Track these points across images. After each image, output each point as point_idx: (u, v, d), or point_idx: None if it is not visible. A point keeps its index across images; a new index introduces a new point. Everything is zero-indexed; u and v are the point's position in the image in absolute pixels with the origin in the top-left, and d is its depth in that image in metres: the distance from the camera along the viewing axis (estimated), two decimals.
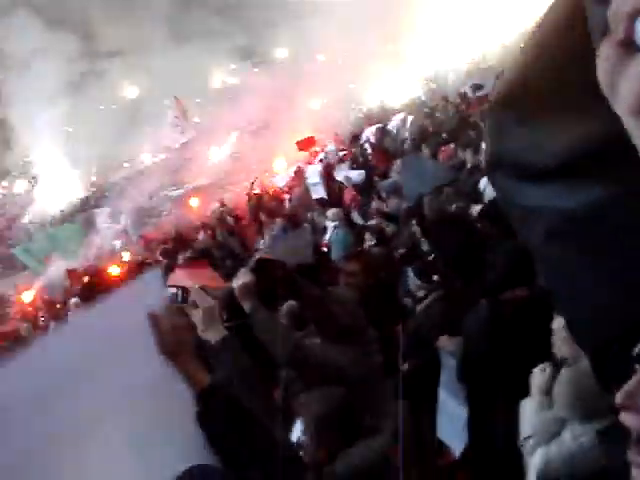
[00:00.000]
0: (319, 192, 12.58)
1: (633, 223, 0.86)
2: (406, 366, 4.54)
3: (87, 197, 33.97)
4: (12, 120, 32.01)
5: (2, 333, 13.71)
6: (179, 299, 2.99)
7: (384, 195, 10.37)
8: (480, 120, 11.45)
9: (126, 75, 34.10)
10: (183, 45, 30.00)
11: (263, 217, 11.73)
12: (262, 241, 11.03)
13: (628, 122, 0.80)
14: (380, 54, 25.30)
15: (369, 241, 8.11)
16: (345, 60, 26.69)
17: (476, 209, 6.76)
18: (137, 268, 14.12)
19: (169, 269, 9.72)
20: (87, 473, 2.03)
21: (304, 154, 17.98)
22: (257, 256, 4.17)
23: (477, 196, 7.94)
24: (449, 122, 13.16)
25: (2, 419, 1.90)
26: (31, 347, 2.34)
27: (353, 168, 13.38)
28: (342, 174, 12.96)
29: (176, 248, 13.15)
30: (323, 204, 11.68)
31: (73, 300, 12.72)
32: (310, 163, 15.44)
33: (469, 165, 9.57)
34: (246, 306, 3.22)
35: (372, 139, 13.98)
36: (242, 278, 3.28)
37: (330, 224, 9.36)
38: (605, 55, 0.82)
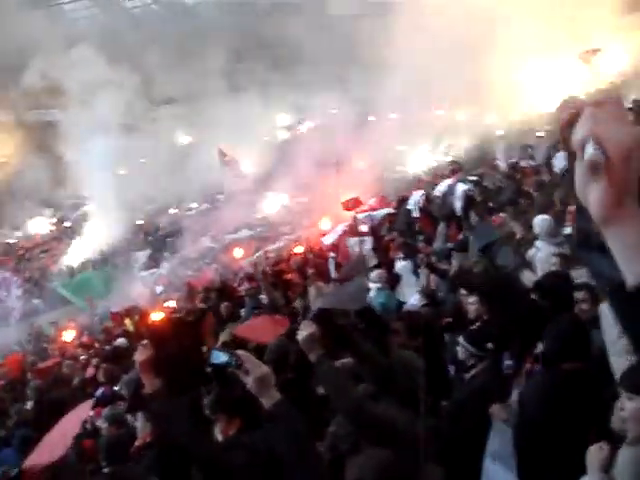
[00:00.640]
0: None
1: None
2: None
3: (131, 239, 34.50)
4: (67, 157, 32.92)
5: (43, 369, 13.80)
6: (233, 364, 3.01)
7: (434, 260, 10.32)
8: (534, 190, 11.37)
9: (179, 122, 34.96)
10: (236, 96, 30.68)
11: (309, 272, 11.77)
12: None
13: (599, 228, 1.08)
14: (429, 118, 25.58)
15: (419, 302, 8.14)
16: (395, 122, 27.03)
17: (527, 277, 6.78)
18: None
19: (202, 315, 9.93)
20: None
21: (350, 214, 18.02)
22: (317, 306, 4.21)
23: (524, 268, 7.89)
24: (504, 192, 13.09)
25: None
26: None
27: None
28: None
29: (219, 297, 13.26)
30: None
31: (120, 340, 12.93)
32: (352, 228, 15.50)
33: (518, 236, 9.49)
34: (312, 357, 3.24)
35: (420, 203, 14.03)
36: (306, 329, 3.32)
37: (373, 285, 9.20)
38: (577, 173, 1.11)
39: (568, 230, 7.74)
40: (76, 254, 34.31)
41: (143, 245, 32.78)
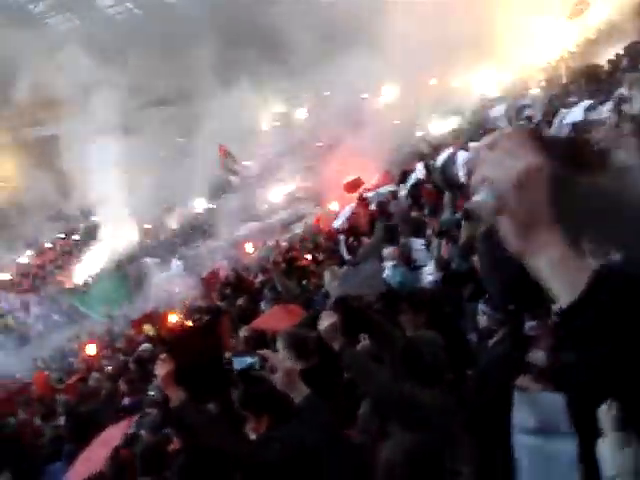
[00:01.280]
0: None
1: None
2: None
3: (141, 243, 34.66)
4: (69, 167, 33.10)
5: (70, 385, 13.84)
6: (256, 366, 3.05)
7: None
8: None
9: (174, 121, 34.95)
10: (228, 90, 30.65)
11: (320, 257, 11.73)
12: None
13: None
14: (423, 88, 25.50)
15: (434, 273, 8.12)
16: (389, 96, 26.99)
17: None
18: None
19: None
20: None
21: (354, 195, 17.97)
22: (335, 295, 4.23)
23: None
24: None
25: None
26: None
27: None
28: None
29: (236, 292, 13.29)
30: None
31: (144, 346, 13.01)
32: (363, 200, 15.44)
33: None
34: (335, 346, 3.25)
35: (422, 175, 13.95)
36: (327, 319, 3.32)
37: (388, 264, 9.14)
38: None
39: None
40: (89, 266, 34.52)
41: (154, 250, 32.85)
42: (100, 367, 15.06)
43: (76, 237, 39.45)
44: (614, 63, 18.17)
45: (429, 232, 9.98)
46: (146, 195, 31.44)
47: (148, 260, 28.65)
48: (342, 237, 13.51)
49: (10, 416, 13.15)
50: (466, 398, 4.54)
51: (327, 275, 10.56)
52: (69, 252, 38.68)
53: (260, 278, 14.40)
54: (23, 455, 9.81)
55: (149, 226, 36.04)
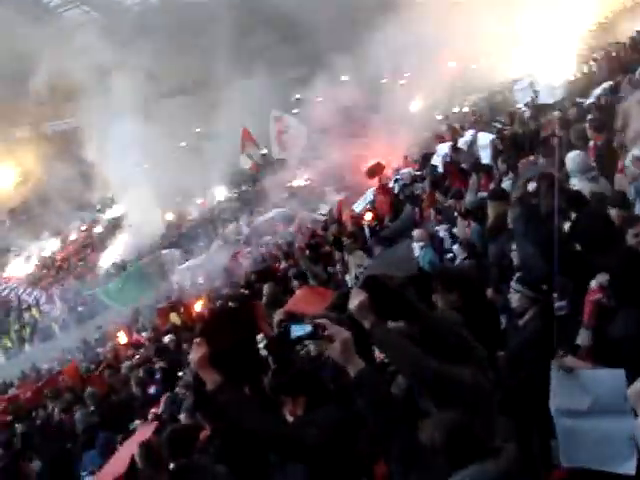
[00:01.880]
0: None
1: None
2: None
3: (164, 235, 34.79)
4: (90, 157, 33.38)
5: (96, 375, 13.97)
6: (315, 334, 2.98)
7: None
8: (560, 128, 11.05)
9: (193, 111, 34.96)
10: (247, 78, 30.60)
11: (345, 241, 11.66)
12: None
13: None
14: (440, 73, 25.28)
15: (459, 254, 8.09)
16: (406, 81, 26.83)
17: None
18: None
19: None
20: None
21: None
22: (365, 274, 4.18)
23: None
24: (527, 135, 12.78)
25: None
26: None
27: None
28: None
29: (260, 279, 13.27)
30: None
31: (168, 336, 13.08)
32: (384, 188, 15.38)
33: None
34: (366, 324, 3.21)
35: (448, 156, 13.85)
36: (356, 297, 3.29)
37: (417, 245, 9.14)
38: None
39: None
40: (112, 257, 34.78)
41: (176, 241, 32.96)
42: (130, 355, 15.14)
43: (99, 229, 39.76)
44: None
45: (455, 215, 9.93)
46: (167, 184, 31.52)
47: (172, 251, 28.75)
48: (365, 222, 13.48)
49: (39, 407, 13.35)
50: (499, 379, 4.50)
51: (352, 260, 10.60)
52: (92, 244, 38.97)
53: (284, 265, 14.41)
54: (56, 444, 9.98)
55: (171, 217, 36.17)
